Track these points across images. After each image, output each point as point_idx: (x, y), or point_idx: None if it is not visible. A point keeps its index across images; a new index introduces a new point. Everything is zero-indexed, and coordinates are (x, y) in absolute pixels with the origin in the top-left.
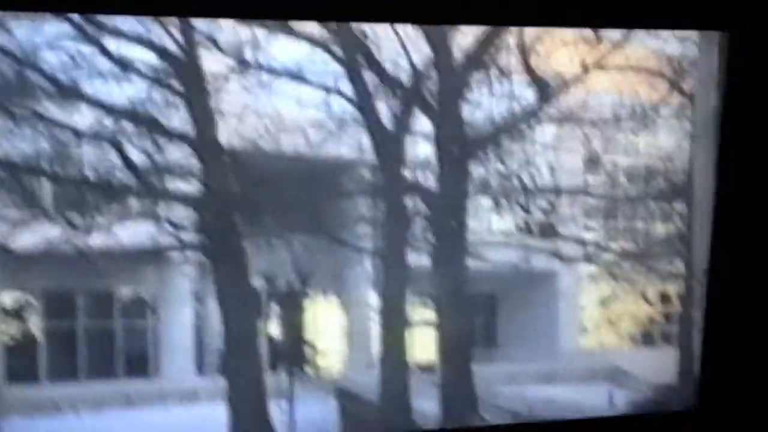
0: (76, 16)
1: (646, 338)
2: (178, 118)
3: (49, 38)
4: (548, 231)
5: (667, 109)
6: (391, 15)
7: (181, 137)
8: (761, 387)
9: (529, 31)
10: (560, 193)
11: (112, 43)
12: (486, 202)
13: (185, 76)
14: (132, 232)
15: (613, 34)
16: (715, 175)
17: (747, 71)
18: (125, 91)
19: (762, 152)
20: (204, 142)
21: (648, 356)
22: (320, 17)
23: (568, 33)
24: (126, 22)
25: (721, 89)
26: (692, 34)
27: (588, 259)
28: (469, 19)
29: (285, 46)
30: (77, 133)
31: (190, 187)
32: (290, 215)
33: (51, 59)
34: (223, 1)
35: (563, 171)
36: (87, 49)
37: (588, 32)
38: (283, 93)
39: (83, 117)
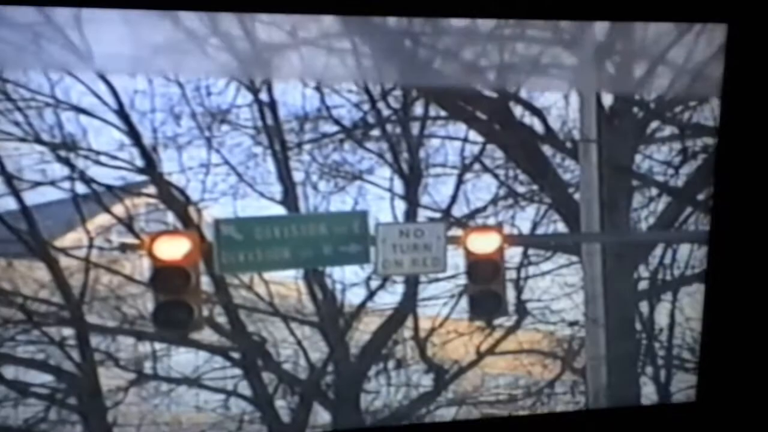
0: None
1: None
2: None
3: None
4: None
5: (561, 386)
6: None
7: None
8: (758, 381)
9: (424, 324)
10: None
11: (9, 371)
12: None
13: (82, 393)
14: None
15: (506, 322)
16: (714, 169)
17: (746, 63)
18: (20, 414)
19: (761, 140)
20: None
21: None
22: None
23: (462, 324)
24: (26, 350)
25: (721, 80)
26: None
27: None
28: (478, 12)
29: (184, 356)
30: None
31: None
32: None
33: None
34: None
35: None
36: None
37: (481, 323)
38: (182, 400)
39: None
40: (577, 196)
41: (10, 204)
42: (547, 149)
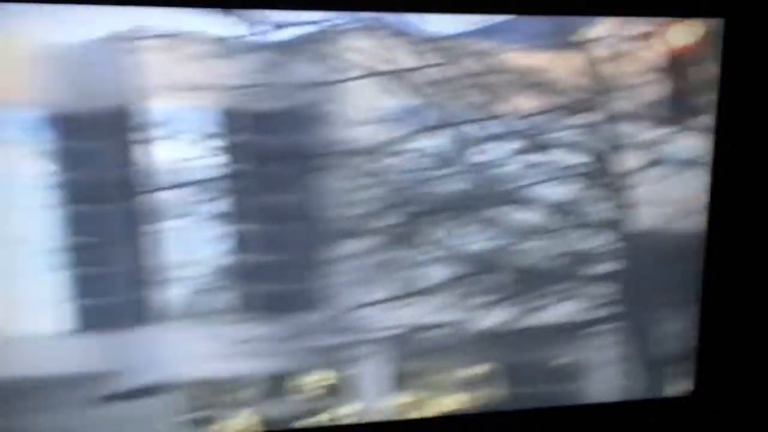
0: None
1: None
2: (603, 210)
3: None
4: None
5: None
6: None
7: (607, 226)
8: (756, 373)
9: None
10: None
11: (554, 153)
12: None
13: (611, 174)
14: (559, 312)
15: None
16: (711, 168)
17: (744, 60)
18: (560, 191)
19: (760, 139)
20: (624, 228)
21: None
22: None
23: None
24: (564, 137)
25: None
26: None
27: None
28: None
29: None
30: (524, 233)
31: (610, 268)
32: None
33: (510, 171)
34: None
35: None
36: (535, 159)
37: None
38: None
39: (528, 217)
40: None
41: None
42: None
